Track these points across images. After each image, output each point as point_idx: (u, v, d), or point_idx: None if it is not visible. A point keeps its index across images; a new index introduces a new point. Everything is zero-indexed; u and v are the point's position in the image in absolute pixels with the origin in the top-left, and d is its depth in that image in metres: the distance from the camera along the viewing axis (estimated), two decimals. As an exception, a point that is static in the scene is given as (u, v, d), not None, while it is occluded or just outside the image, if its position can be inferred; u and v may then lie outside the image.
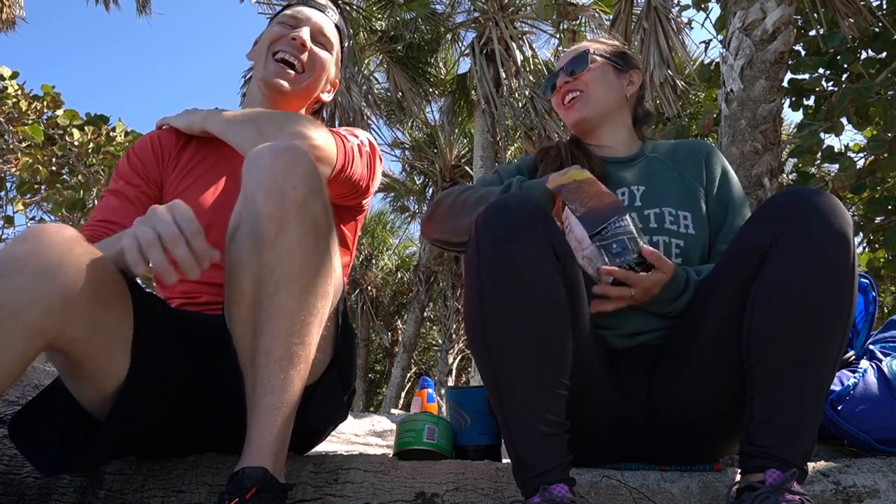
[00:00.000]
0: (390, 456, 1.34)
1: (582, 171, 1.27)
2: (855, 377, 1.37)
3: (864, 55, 4.53)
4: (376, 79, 10.83)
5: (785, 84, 3.86)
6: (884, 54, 4.49)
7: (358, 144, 1.32)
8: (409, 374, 13.03)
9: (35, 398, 1.09)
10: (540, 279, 1.03)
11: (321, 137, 1.24)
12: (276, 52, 1.40)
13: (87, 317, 0.93)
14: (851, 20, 3.88)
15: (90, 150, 5.51)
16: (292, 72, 1.40)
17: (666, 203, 1.36)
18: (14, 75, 5.52)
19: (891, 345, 1.49)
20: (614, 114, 1.50)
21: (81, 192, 5.49)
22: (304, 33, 1.40)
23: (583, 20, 8.56)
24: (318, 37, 1.43)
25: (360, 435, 3.18)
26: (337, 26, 1.50)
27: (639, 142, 1.53)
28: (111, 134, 5.69)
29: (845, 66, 4.48)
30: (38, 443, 1.06)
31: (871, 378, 1.36)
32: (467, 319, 1.07)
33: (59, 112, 5.58)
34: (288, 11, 1.44)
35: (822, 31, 4.30)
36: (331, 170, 1.28)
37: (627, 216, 1.23)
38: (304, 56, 1.41)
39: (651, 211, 1.35)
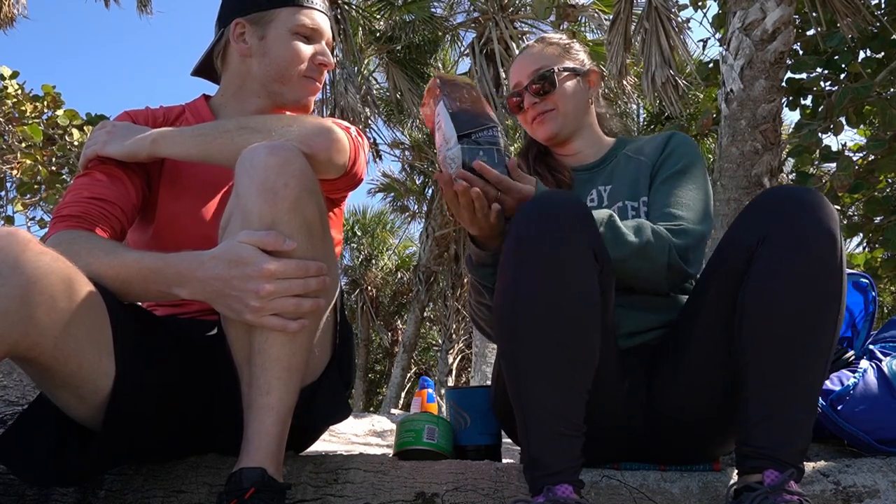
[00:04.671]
0: (390, 456, 1.34)
1: (470, 80, 1.23)
2: (855, 377, 1.37)
3: (862, 55, 4.53)
4: (375, 79, 10.84)
5: (783, 84, 3.86)
6: (882, 54, 4.49)
7: (354, 137, 1.30)
8: (409, 374, 13.03)
9: (21, 414, 1.06)
10: (579, 281, 1.02)
11: (338, 132, 1.21)
12: (305, 75, 1.34)
13: (49, 321, 0.89)
14: (850, 19, 3.89)
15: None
16: (319, 87, 1.37)
17: (625, 196, 1.36)
18: (14, 75, 5.52)
19: (891, 345, 1.49)
20: (583, 121, 1.49)
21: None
22: (329, 56, 1.36)
23: (582, 20, 8.57)
24: (328, 46, 1.38)
25: (360, 435, 3.19)
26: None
27: (609, 140, 1.51)
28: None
29: (844, 65, 4.48)
30: (28, 457, 1.02)
31: (871, 378, 1.36)
32: (498, 314, 1.06)
33: (59, 112, 5.58)
34: (305, 21, 1.32)
35: (821, 31, 4.30)
36: (346, 163, 1.23)
37: (500, 129, 1.16)
38: (324, 75, 1.38)
39: (615, 206, 1.35)
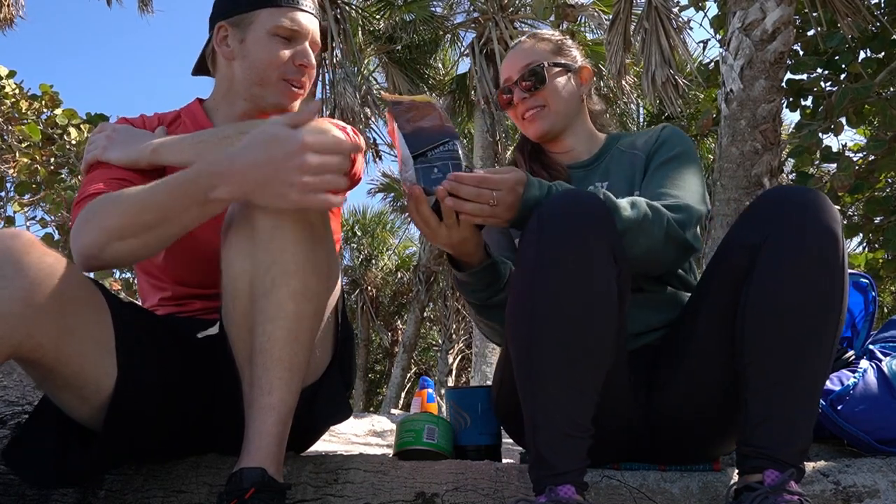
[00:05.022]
0: (390, 456, 1.34)
1: (426, 96, 1.20)
2: (855, 377, 1.37)
3: (862, 55, 4.54)
4: (375, 79, 10.84)
5: (783, 84, 3.86)
6: (882, 54, 4.49)
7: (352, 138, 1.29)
8: (409, 374, 13.04)
9: (26, 420, 1.06)
10: (598, 283, 1.01)
11: (337, 135, 1.21)
12: (284, 77, 1.30)
13: (53, 322, 0.90)
14: (850, 19, 3.89)
15: (90, 150, 5.48)
16: (300, 90, 1.34)
17: (624, 191, 1.34)
18: (11, 74, 5.50)
19: (891, 345, 1.49)
20: (575, 118, 1.47)
21: (81, 192, 5.45)
22: (310, 56, 1.32)
23: (582, 20, 8.57)
24: (313, 47, 1.35)
25: (360, 435, 3.19)
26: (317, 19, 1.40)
27: (600, 136, 1.50)
28: (111, 134, 5.64)
29: (844, 66, 4.48)
30: (30, 458, 1.02)
31: (871, 378, 1.36)
32: (513, 312, 1.05)
33: (58, 111, 5.57)
34: (284, 22, 1.28)
35: (821, 31, 4.30)
36: (348, 166, 1.24)
37: (458, 142, 1.12)
38: (307, 77, 1.35)
39: None
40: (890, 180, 5.18)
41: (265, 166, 0.95)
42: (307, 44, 1.32)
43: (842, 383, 1.37)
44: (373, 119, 10.04)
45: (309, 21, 1.32)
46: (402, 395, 12.48)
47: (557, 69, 1.44)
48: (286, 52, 1.29)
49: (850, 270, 1.52)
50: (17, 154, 5.28)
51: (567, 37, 1.54)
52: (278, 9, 1.29)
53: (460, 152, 1.11)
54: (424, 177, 1.08)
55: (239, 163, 0.97)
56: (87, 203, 1.09)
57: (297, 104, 1.35)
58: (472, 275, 1.22)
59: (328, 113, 8.44)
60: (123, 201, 1.03)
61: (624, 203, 1.12)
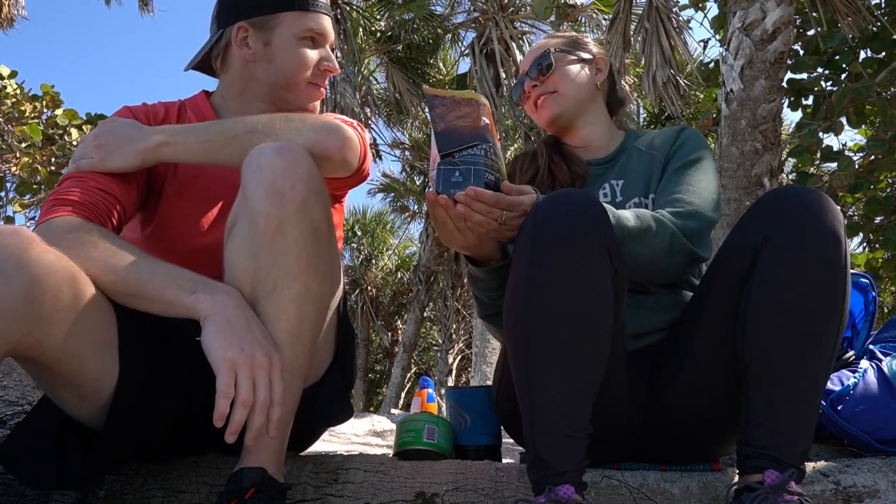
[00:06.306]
0: (390, 456, 1.34)
1: (475, 94, 1.17)
2: (855, 377, 1.37)
3: (862, 55, 4.54)
4: (375, 79, 10.84)
5: (784, 84, 3.87)
6: (882, 54, 4.49)
7: (360, 133, 1.29)
8: (409, 374, 13.03)
9: (23, 420, 1.06)
10: (594, 283, 1.00)
11: (348, 130, 1.20)
12: (310, 81, 1.31)
13: (53, 320, 0.90)
14: (850, 19, 3.89)
15: (90, 150, 5.48)
16: (323, 90, 1.34)
17: (640, 192, 1.34)
18: (13, 74, 5.51)
19: (891, 345, 1.49)
20: (589, 106, 1.45)
21: (81, 192, 5.45)
22: (335, 61, 1.32)
23: (582, 20, 8.57)
24: (332, 48, 1.35)
25: (360, 435, 3.18)
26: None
27: (620, 133, 1.49)
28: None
29: (844, 65, 4.48)
30: (31, 461, 1.02)
31: (871, 378, 1.36)
32: (510, 312, 1.04)
33: (59, 112, 5.58)
34: (311, 25, 1.28)
35: (821, 31, 4.30)
36: (358, 160, 1.22)
37: (490, 147, 1.10)
38: (327, 79, 1.35)
39: (630, 202, 1.34)
40: (891, 180, 5.18)
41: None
42: (328, 46, 1.33)
43: (842, 383, 1.37)
44: (372, 119, 10.05)
45: (329, 23, 1.33)
46: (402, 395, 12.48)
47: (568, 56, 1.45)
48: (314, 56, 1.30)
49: (850, 271, 1.53)
50: (19, 154, 5.29)
51: (584, 35, 1.55)
52: (304, 12, 1.28)
53: (489, 157, 1.09)
54: (444, 180, 1.08)
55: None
56: (76, 216, 1.06)
57: (318, 104, 1.35)
58: (486, 272, 1.22)
59: (328, 111, 8.44)
60: (112, 263, 0.99)
61: (627, 214, 1.12)
